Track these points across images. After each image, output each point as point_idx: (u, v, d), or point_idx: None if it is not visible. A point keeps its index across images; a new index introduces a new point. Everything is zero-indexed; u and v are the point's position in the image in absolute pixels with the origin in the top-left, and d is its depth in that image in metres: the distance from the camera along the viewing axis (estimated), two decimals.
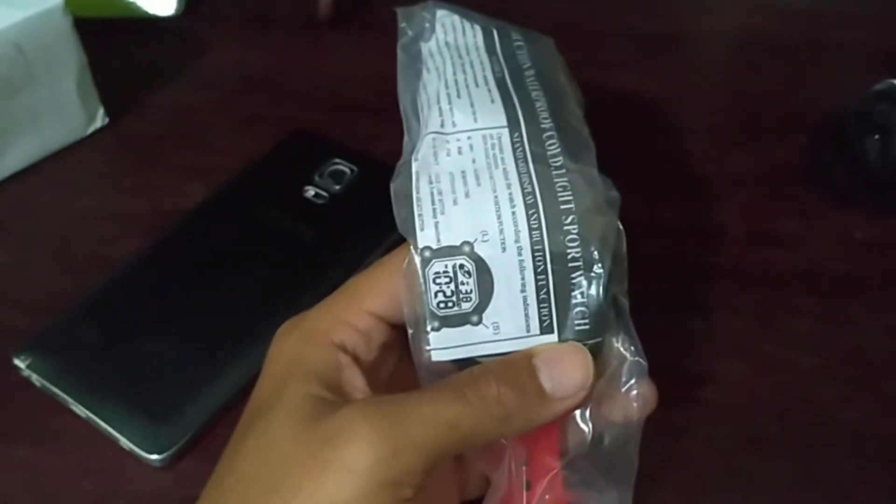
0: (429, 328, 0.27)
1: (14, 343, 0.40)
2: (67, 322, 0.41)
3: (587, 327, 0.27)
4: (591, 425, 0.28)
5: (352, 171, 0.47)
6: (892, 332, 0.42)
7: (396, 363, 0.31)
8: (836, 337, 0.42)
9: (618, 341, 0.28)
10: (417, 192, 0.28)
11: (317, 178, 0.47)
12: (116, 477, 0.37)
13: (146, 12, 0.58)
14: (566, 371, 0.27)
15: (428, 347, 0.27)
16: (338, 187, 0.46)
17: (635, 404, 0.28)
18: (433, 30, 0.34)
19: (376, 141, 0.52)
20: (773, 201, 0.48)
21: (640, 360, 0.28)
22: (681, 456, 0.38)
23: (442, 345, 0.27)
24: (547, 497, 0.29)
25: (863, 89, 0.47)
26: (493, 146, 0.29)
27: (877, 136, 0.44)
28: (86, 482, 0.37)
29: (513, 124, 0.29)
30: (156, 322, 0.41)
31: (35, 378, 0.39)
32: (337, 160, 0.48)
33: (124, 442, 0.37)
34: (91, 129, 0.52)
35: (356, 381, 0.29)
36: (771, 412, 0.39)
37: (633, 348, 0.28)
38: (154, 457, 0.36)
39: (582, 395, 0.27)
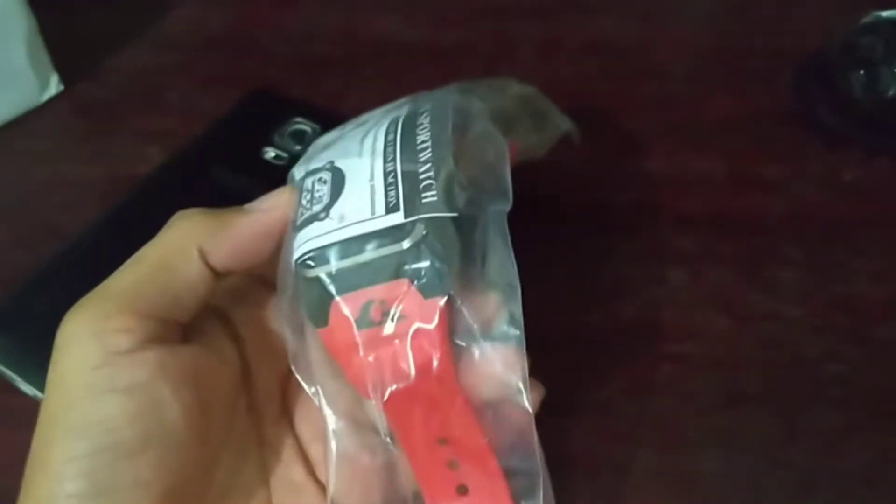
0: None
1: None
2: (16, 298, 0.39)
3: (434, 198, 0.26)
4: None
5: (313, 129, 0.45)
6: (880, 276, 0.40)
7: None
8: (823, 285, 0.40)
9: (484, 265, 0.26)
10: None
11: (276, 139, 0.45)
12: None
13: None
14: (268, 196, 0.28)
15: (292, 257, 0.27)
16: (298, 147, 0.44)
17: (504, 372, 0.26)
18: None
19: (344, 98, 0.50)
20: (757, 145, 0.46)
21: (515, 330, 0.26)
22: (659, 415, 0.36)
23: (296, 246, 0.27)
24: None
25: (847, 23, 0.45)
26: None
27: (862, 71, 0.42)
28: None
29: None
30: None
31: None
32: (298, 119, 0.46)
33: None
34: (45, 97, 0.50)
35: None
36: (754, 366, 0.37)
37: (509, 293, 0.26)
38: None
39: (278, 212, 0.28)
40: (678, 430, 0.36)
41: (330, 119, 0.45)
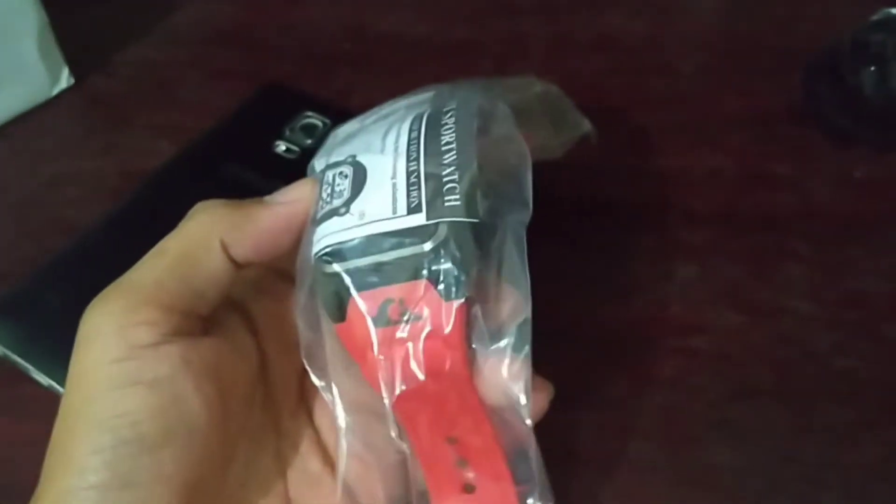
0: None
1: None
2: (28, 288, 0.39)
3: (457, 202, 0.26)
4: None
5: (324, 123, 0.45)
6: (890, 273, 0.40)
7: None
8: (833, 281, 0.40)
9: (500, 274, 0.26)
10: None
11: (287, 133, 0.45)
12: None
13: None
14: (289, 188, 0.28)
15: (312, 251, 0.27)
16: (310, 141, 0.45)
17: (515, 389, 0.25)
18: None
19: (353, 92, 0.50)
20: (766, 143, 0.46)
21: (523, 342, 0.26)
22: (669, 409, 0.36)
23: (316, 240, 0.27)
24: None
25: (858, 21, 0.45)
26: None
27: (873, 68, 0.42)
28: None
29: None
30: None
31: None
32: (309, 113, 0.46)
33: None
34: (56, 91, 0.50)
35: None
36: (765, 362, 0.37)
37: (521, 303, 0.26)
38: None
39: (300, 205, 0.27)
40: (688, 425, 0.36)
41: (340, 113, 0.45)
